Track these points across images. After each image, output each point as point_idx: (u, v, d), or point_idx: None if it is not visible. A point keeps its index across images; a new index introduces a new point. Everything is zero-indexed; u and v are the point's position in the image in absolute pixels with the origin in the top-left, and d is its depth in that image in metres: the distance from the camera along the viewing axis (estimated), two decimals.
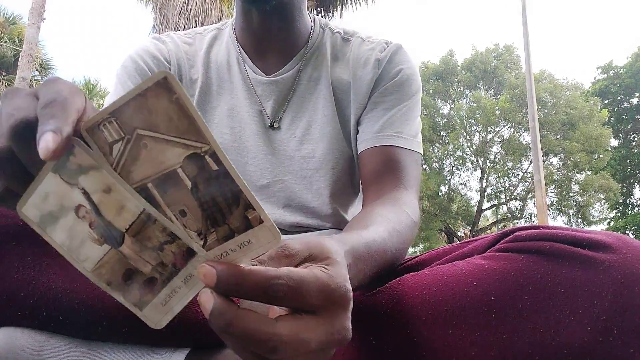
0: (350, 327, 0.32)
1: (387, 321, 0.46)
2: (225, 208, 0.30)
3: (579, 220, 15.16)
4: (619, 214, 16.98)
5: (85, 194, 0.30)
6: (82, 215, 0.31)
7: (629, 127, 17.69)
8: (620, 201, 16.53)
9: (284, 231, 0.75)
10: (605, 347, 0.39)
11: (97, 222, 0.31)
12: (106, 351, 0.47)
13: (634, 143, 17.04)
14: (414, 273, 0.51)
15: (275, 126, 0.78)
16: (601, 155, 14.07)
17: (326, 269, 0.32)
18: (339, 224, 0.79)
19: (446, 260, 0.53)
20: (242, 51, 0.80)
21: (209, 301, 0.29)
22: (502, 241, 0.49)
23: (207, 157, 0.29)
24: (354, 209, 0.84)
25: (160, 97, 0.27)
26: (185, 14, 9.89)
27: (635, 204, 17.21)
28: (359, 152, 0.76)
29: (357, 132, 0.78)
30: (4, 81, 14.33)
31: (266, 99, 0.78)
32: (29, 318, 0.44)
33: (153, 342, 0.47)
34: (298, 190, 0.76)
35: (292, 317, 0.30)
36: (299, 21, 0.79)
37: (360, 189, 0.81)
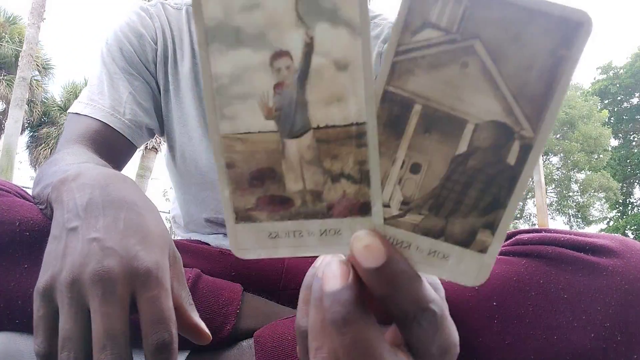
0: None
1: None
2: (466, 206, 0.22)
3: (579, 220, 15.17)
4: (619, 214, 16.98)
5: (309, 46, 0.21)
6: (278, 66, 0.21)
7: (629, 127, 17.69)
8: (620, 201, 16.53)
9: None
10: (609, 353, 0.39)
11: (288, 91, 0.21)
12: None
13: (634, 143, 17.04)
14: None
15: None
16: (601, 155, 14.08)
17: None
18: None
19: None
20: None
21: (338, 275, 0.22)
22: (503, 244, 0.49)
23: (516, 143, 0.21)
24: None
25: None
26: None
27: (635, 204, 17.21)
28: None
29: None
30: (4, 81, 14.33)
31: None
32: (27, 325, 0.44)
33: None
34: None
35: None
36: None
37: None
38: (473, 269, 0.23)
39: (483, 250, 0.22)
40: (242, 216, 0.23)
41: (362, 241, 0.22)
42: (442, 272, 0.23)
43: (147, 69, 0.72)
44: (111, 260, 0.31)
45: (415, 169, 0.22)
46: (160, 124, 0.75)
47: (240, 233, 0.24)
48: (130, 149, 0.70)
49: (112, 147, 0.67)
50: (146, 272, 0.31)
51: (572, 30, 0.19)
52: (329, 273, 0.22)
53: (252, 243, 0.24)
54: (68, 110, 0.70)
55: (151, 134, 0.74)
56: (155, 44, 0.73)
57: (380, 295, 0.22)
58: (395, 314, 0.23)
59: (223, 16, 0.21)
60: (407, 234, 0.23)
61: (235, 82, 0.21)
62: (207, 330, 0.34)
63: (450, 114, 0.21)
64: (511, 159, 0.21)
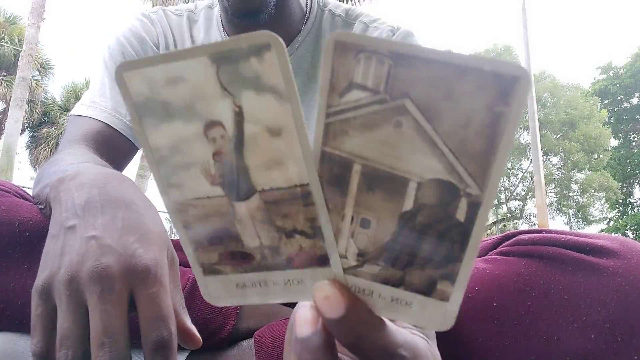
0: None
1: None
2: (423, 260, 0.22)
3: (579, 220, 15.16)
4: (619, 214, 16.98)
5: (239, 115, 0.20)
6: (213, 136, 0.21)
7: (629, 127, 17.68)
8: (620, 201, 16.52)
9: None
10: (609, 354, 0.39)
11: (227, 158, 0.21)
12: None
13: (634, 143, 17.04)
14: None
15: None
16: (601, 155, 14.08)
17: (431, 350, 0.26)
18: None
19: None
20: (227, 37, 0.76)
21: (308, 322, 0.22)
22: (503, 244, 0.49)
23: (463, 200, 0.20)
24: None
25: None
26: None
27: (635, 204, 17.21)
28: None
29: None
30: (3, 81, 14.33)
31: None
32: (26, 325, 0.44)
33: None
34: None
35: None
36: (291, 13, 0.73)
37: None
38: (438, 315, 0.22)
39: (445, 299, 0.22)
40: (209, 270, 0.24)
41: (323, 292, 0.21)
42: (407, 318, 0.23)
43: None
44: (109, 258, 0.31)
45: (365, 224, 0.22)
46: None
47: (210, 284, 0.25)
48: (131, 149, 0.71)
49: (114, 147, 0.67)
50: (145, 269, 0.31)
51: (508, 85, 0.18)
52: (299, 319, 0.22)
53: (222, 292, 0.25)
54: (70, 113, 0.71)
55: None
56: (157, 48, 0.74)
57: (346, 344, 0.22)
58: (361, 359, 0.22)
59: (149, 92, 0.21)
60: (367, 282, 0.22)
61: (175, 153, 0.22)
62: (198, 335, 0.34)
63: (391, 173, 0.20)
64: (460, 216, 0.20)
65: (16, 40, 14.71)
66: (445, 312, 0.22)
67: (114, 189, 0.37)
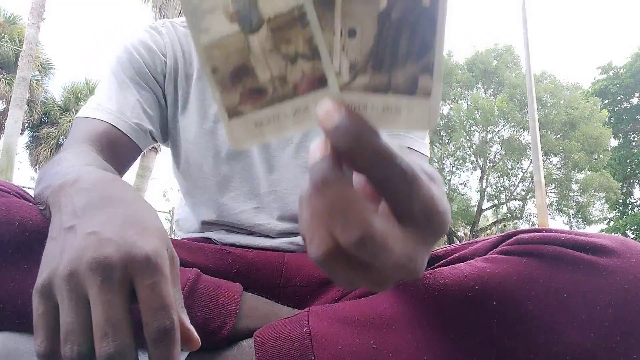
0: (425, 265, 0.27)
1: (388, 325, 0.46)
2: (402, 56, 0.24)
3: (579, 219, 15.17)
4: (619, 214, 16.98)
5: None
6: None
7: (629, 127, 17.69)
8: (620, 201, 16.53)
9: (270, 237, 0.74)
10: (608, 353, 0.39)
11: None
12: None
13: (634, 143, 17.05)
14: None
15: None
16: (601, 156, 14.09)
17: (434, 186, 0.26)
18: None
19: (447, 262, 0.53)
20: None
21: (318, 148, 0.24)
22: (503, 243, 0.49)
23: None
24: None
25: None
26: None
27: (635, 204, 17.21)
28: None
29: None
30: (4, 81, 14.33)
31: None
32: (27, 325, 0.44)
33: None
34: (292, 201, 0.74)
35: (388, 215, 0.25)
36: None
37: None
38: (424, 115, 0.25)
39: (427, 94, 0.25)
40: (233, 112, 0.27)
41: (322, 107, 0.24)
42: (399, 125, 0.25)
43: (156, 80, 0.74)
44: (109, 249, 0.31)
45: (351, 33, 0.24)
46: (163, 133, 0.77)
47: (234, 128, 0.27)
48: (135, 151, 0.71)
49: (118, 148, 0.68)
50: (145, 259, 0.31)
51: None
52: (311, 152, 0.25)
53: (244, 134, 0.27)
54: (75, 116, 0.72)
55: (154, 140, 0.76)
56: (165, 57, 0.75)
57: (346, 153, 0.23)
58: (369, 174, 0.24)
59: None
60: (361, 96, 0.25)
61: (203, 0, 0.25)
62: (197, 336, 0.34)
63: None
64: (426, 2, 0.23)
65: (16, 40, 14.72)
66: (429, 110, 0.25)
67: (114, 191, 0.37)
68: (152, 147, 9.97)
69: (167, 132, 0.78)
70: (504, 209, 16.05)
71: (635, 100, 17.57)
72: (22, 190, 0.52)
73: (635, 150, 16.90)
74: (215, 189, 0.75)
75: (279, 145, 0.76)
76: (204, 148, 0.74)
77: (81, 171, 0.43)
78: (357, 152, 0.23)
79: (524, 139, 14.92)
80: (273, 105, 0.26)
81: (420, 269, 0.26)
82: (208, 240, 0.75)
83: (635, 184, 17.11)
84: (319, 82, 0.25)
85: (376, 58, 0.24)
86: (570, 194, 14.85)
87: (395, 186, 0.24)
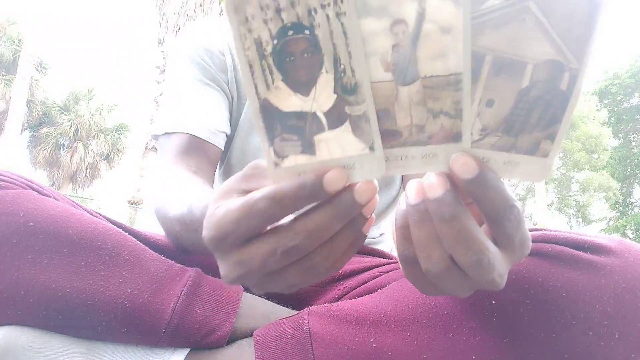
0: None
1: (387, 323, 0.46)
2: (531, 125, 0.28)
3: (579, 219, 15.17)
4: (619, 214, 16.97)
5: (421, 15, 0.26)
6: (396, 31, 0.27)
7: (629, 127, 17.68)
8: (620, 201, 16.52)
9: None
10: (607, 351, 0.39)
11: (403, 50, 0.27)
12: (105, 351, 0.47)
13: (633, 143, 17.05)
14: None
15: None
16: (601, 155, 14.09)
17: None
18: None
19: None
20: None
21: (441, 184, 0.28)
22: None
23: (566, 74, 0.27)
24: (384, 223, 0.86)
25: None
26: (184, 14, 9.89)
27: (635, 204, 17.21)
28: None
29: None
30: (3, 81, 14.33)
31: None
32: (29, 317, 0.44)
33: (152, 342, 0.47)
34: None
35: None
36: None
37: (394, 204, 0.83)
38: (539, 169, 0.29)
39: (545, 155, 0.29)
40: (370, 145, 0.30)
41: (460, 159, 0.28)
42: (514, 175, 0.30)
43: (219, 77, 0.75)
44: None
45: (489, 104, 0.28)
46: (232, 130, 0.79)
47: (368, 162, 0.30)
48: (217, 154, 0.73)
49: (207, 157, 0.70)
50: None
51: None
52: (429, 185, 0.29)
53: (373, 165, 0.30)
54: (153, 132, 0.74)
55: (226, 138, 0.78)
56: (224, 55, 0.76)
57: (477, 199, 0.29)
58: (489, 212, 0.29)
59: None
60: (486, 152, 0.29)
61: (364, 43, 0.27)
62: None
63: (514, 59, 0.27)
64: (563, 86, 0.27)
65: (16, 40, 14.71)
66: (544, 166, 0.29)
67: None
68: (152, 147, 9.96)
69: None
70: None
71: (635, 100, 17.56)
72: (28, 180, 0.52)
73: (635, 150, 16.90)
74: None
75: None
76: (251, 144, 0.76)
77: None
78: (487, 199, 0.28)
79: None
80: (404, 147, 0.30)
81: (504, 283, 0.32)
82: None
83: (635, 184, 17.11)
84: (454, 137, 0.29)
85: (507, 125, 0.28)
86: (570, 193, 14.84)
87: (509, 222, 0.29)
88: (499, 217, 0.29)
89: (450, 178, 0.29)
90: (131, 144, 19.10)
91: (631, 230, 15.41)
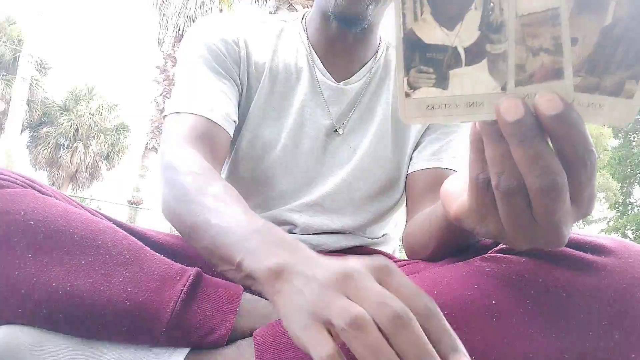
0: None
1: None
2: (614, 64, 0.28)
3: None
4: (619, 214, 16.97)
5: None
6: None
7: (629, 127, 17.69)
8: (620, 201, 16.51)
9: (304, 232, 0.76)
10: (607, 351, 0.39)
11: None
12: (105, 350, 0.47)
13: (634, 143, 17.05)
14: (414, 274, 0.50)
15: (340, 132, 0.78)
16: (601, 155, 14.09)
17: None
18: (363, 232, 0.81)
19: (447, 261, 0.53)
20: (313, 52, 0.79)
21: (519, 107, 0.28)
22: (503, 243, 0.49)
23: None
24: (387, 224, 0.86)
25: None
26: (184, 13, 9.89)
27: (635, 204, 17.20)
28: (412, 170, 0.79)
29: (412, 153, 0.80)
30: (3, 81, 14.34)
31: (333, 104, 0.78)
32: (29, 316, 0.44)
33: (152, 341, 0.47)
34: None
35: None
36: (373, 35, 0.80)
37: (397, 206, 0.84)
38: (623, 113, 0.29)
39: (630, 96, 0.28)
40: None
41: (546, 96, 0.28)
42: (598, 119, 0.29)
43: (233, 68, 0.75)
44: None
45: (573, 42, 0.28)
46: (241, 121, 0.78)
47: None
48: (227, 141, 0.72)
49: (215, 141, 0.69)
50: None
51: None
52: (509, 106, 0.28)
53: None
54: (164, 113, 0.72)
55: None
56: (238, 47, 0.76)
57: (559, 137, 0.29)
58: (568, 153, 0.29)
59: None
60: (584, 95, 0.29)
61: None
62: None
63: None
64: None
65: (16, 40, 14.71)
66: (629, 108, 0.29)
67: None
68: (152, 147, 9.96)
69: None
70: None
71: None
72: (28, 179, 0.52)
73: (635, 150, 16.89)
74: (269, 183, 0.77)
75: (338, 147, 0.78)
76: (259, 136, 0.76)
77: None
78: (568, 139, 0.28)
79: None
80: (516, 88, 0.29)
81: (566, 240, 0.32)
82: None
83: (635, 184, 17.10)
84: (555, 74, 0.29)
85: (590, 64, 0.28)
86: None
87: (584, 169, 0.29)
88: (577, 160, 0.29)
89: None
90: (131, 143, 19.13)
91: (631, 230, 15.40)
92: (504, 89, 0.29)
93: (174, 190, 0.55)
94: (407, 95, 0.31)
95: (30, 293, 0.44)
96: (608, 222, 16.94)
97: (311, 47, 0.79)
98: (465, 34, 0.29)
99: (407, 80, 0.30)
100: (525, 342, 0.41)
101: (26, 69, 7.72)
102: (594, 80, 0.29)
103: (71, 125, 17.67)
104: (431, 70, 0.30)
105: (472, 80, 0.30)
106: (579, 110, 0.29)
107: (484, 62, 0.29)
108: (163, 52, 10.35)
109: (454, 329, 0.45)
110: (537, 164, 0.29)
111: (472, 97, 0.30)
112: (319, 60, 0.79)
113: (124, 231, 0.53)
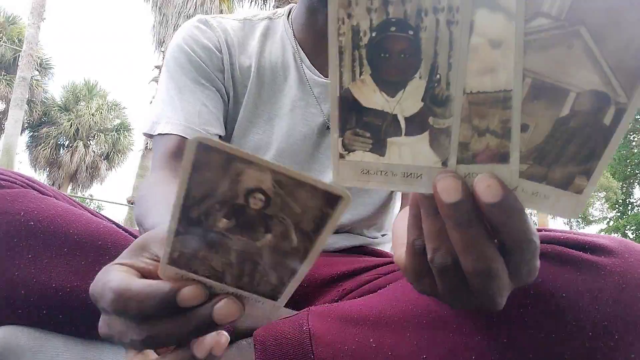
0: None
1: (387, 323, 0.46)
2: (567, 158, 0.26)
3: (579, 219, 15.16)
4: (619, 214, 16.97)
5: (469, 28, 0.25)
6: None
7: (629, 127, 17.65)
8: (620, 201, 16.52)
9: None
10: (607, 352, 0.39)
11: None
12: (105, 350, 0.47)
13: (634, 143, 17.05)
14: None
15: None
16: None
17: None
18: (362, 231, 0.81)
19: None
20: (300, 48, 0.78)
21: (458, 189, 0.27)
22: None
23: (612, 108, 0.25)
24: (388, 214, 0.86)
25: None
26: (184, 13, 9.89)
27: (635, 204, 17.20)
28: None
29: None
30: (4, 81, 14.33)
31: (324, 101, 0.76)
32: (29, 316, 0.44)
33: None
34: None
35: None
36: None
37: (392, 198, 0.83)
38: (570, 206, 0.27)
39: (579, 191, 0.27)
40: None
41: (485, 182, 0.26)
42: (543, 209, 0.28)
43: (216, 77, 0.74)
44: None
45: (524, 128, 0.26)
46: (225, 129, 0.78)
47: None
48: None
49: None
50: None
51: None
52: (446, 187, 0.27)
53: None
54: (143, 131, 0.73)
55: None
56: (220, 52, 0.75)
57: (497, 224, 0.27)
58: (505, 240, 0.28)
59: None
60: (531, 184, 0.28)
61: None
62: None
63: (555, 85, 0.25)
64: (607, 121, 0.25)
65: (16, 40, 14.71)
66: (577, 203, 0.27)
67: None
68: (151, 148, 9.96)
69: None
70: None
71: None
72: (28, 179, 0.52)
73: (635, 150, 16.89)
74: None
75: (330, 143, 0.78)
76: (247, 144, 0.76)
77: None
78: (506, 227, 0.27)
79: None
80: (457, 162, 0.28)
81: (501, 306, 0.32)
82: None
83: (635, 184, 17.10)
84: (500, 158, 0.27)
85: (540, 153, 0.27)
86: None
87: (522, 255, 0.28)
88: (514, 247, 0.28)
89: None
90: (131, 143, 19.12)
91: (631, 230, 15.40)
92: (444, 164, 0.28)
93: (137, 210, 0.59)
94: (342, 156, 0.29)
95: (30, 294, 0.44)
96: (608, 222, 16.95)
97: (297, 44, 0.78)
98: (406, 103, 0.27)
99: (342, 141, 0.28)
100: (524, 343, 0.41)
101: (26, 69, 7.72)
102: (542, 170, 0.27)
103: (71, 125, 17.67)
104: (368, 134, 0.28)
105: (411, 150, 0.28)
106: (522, 197, 0.28)
107: (426, 134, 0.27)
108: (163, 52, 10.35)
109: (454, 330, 0.45)
110: (473, 248, 0.28)
111: (411, 167, 0.28)
112: (305, 56, 0.77)
113: (123, 232, 0.53)
